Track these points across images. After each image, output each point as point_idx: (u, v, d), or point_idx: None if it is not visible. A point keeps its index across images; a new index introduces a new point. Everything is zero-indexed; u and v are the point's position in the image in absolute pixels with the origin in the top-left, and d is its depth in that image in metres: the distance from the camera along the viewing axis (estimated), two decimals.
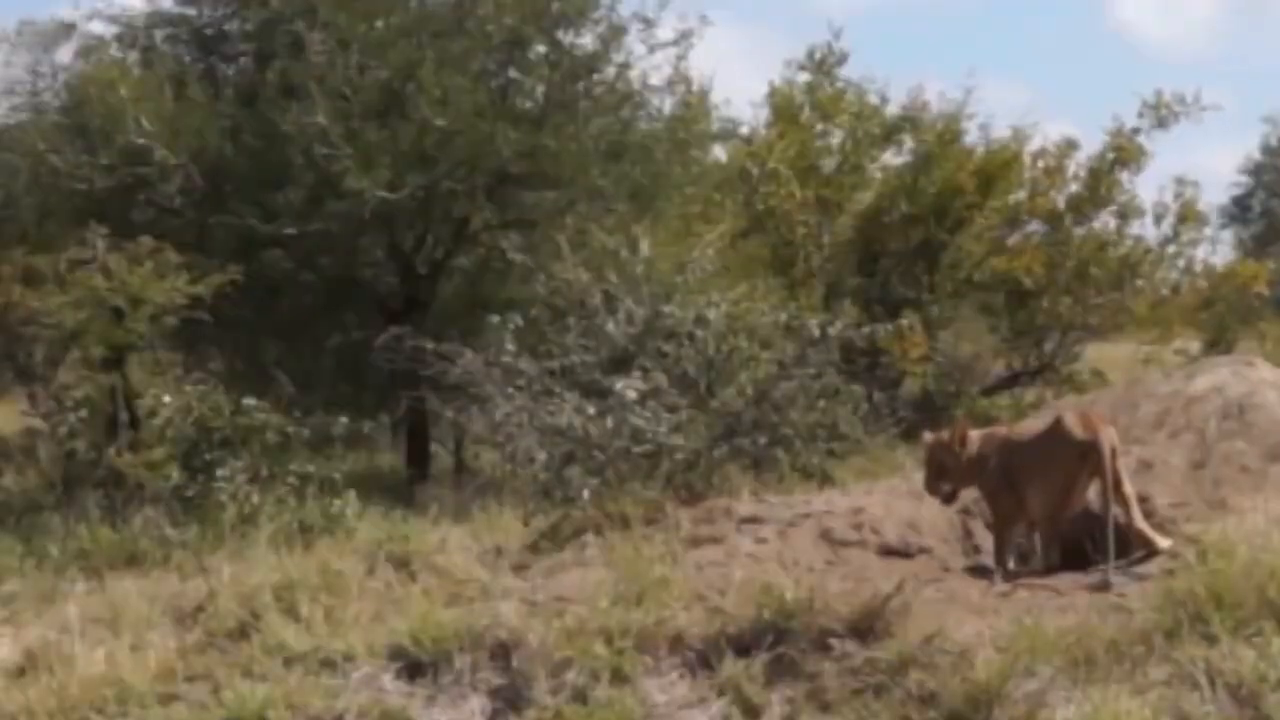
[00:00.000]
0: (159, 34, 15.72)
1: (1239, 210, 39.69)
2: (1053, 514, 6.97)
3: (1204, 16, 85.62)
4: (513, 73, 15.11)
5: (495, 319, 11.53)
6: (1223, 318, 19.23)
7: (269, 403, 11.95)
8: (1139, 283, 18.69)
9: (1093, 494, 6.94)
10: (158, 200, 14.64)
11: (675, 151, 15.54)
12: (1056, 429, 6.99)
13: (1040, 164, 18.61)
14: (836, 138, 18.79)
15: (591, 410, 9.97)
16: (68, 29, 15.78)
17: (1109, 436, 6.85)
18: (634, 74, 15.58)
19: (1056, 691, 5.68)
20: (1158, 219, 18.82)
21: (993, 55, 79.08)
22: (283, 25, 14.67)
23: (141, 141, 14.10)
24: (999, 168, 18.33)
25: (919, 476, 7.70)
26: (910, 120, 18.97)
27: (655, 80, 15.74)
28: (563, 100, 15.04)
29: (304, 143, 14.08)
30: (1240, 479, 7.42)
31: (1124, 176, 18.52)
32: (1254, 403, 7.92)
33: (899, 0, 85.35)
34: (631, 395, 9.93)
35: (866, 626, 6.16)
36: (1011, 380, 18.91)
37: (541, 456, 9.98)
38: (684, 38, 15.44)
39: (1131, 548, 6.80)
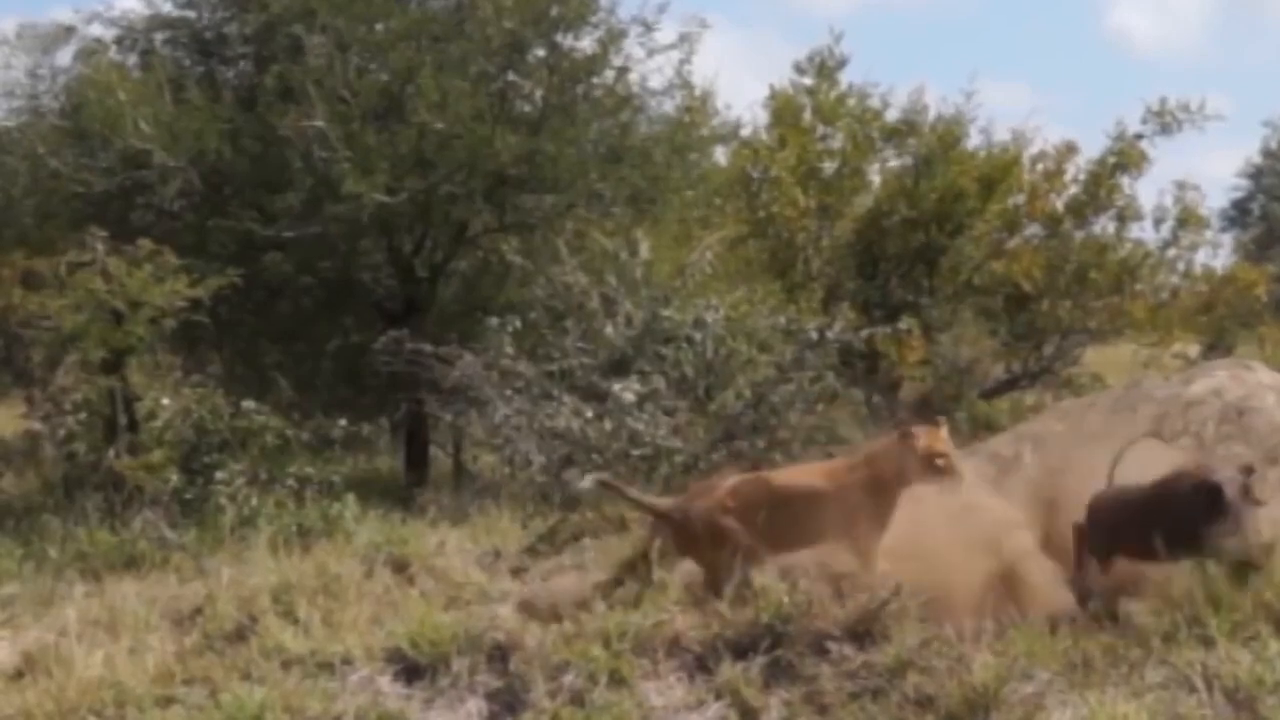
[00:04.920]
0: (158, 37, 15.71)
1: (1238, 214, 39.68)
2: None
3: (1202, 20, 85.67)
4: (512, 76, 15.09)
5: (494, 322, 11.57)
6: (1222, 321, 19.23)
7: (268, 405, 11.95)
8: (1138, 286, 18.68)
9: None
10: (157, 203, 14.65)
11: (674, 155, 15.54)
12: None
13: (1039, 167, 18.61)
14: (837, 141, 18.79)
15: (590, 413, 10.00)
16: (67, 32, 15.77)
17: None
18: (633, 77, 15.59)
19: (1054, 695, 5.69)
20: (1157, 223, 18.84)
21: (991, 57, 79.10)
22: (282, 28, 14.67)
23: (141, 145, 14.10)
24: (1000, 171, 18.33)
25: None
26: (911, 124, 18.98)
27: (655, 84, 15.76)
28: (562, 104, 15.04)
29: (303, 146, 14.09)
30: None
31: (1124, 180, 18.53)
32: (1252, 406, 7.94)
33: (896, 3, 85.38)
34: (630, 398, 9.96)
35: (864, 630, 6.17)
36: (1011, 384, 18.91)
37: (540, 459, 10.00)
38: (683, 41, 15.45)
39: None
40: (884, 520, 6.81)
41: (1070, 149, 18.53)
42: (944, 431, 6.92)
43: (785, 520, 6.85)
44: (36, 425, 14.36)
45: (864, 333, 12.42)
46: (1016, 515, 7.02)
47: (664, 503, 7.32)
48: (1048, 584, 6.58)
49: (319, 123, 13.91)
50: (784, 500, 6.94)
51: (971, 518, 6.85)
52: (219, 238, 14.43)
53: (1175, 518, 6.14)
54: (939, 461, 6.74)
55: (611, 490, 7.86)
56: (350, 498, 10.74)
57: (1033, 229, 18.82)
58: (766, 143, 18.72)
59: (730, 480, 7.32)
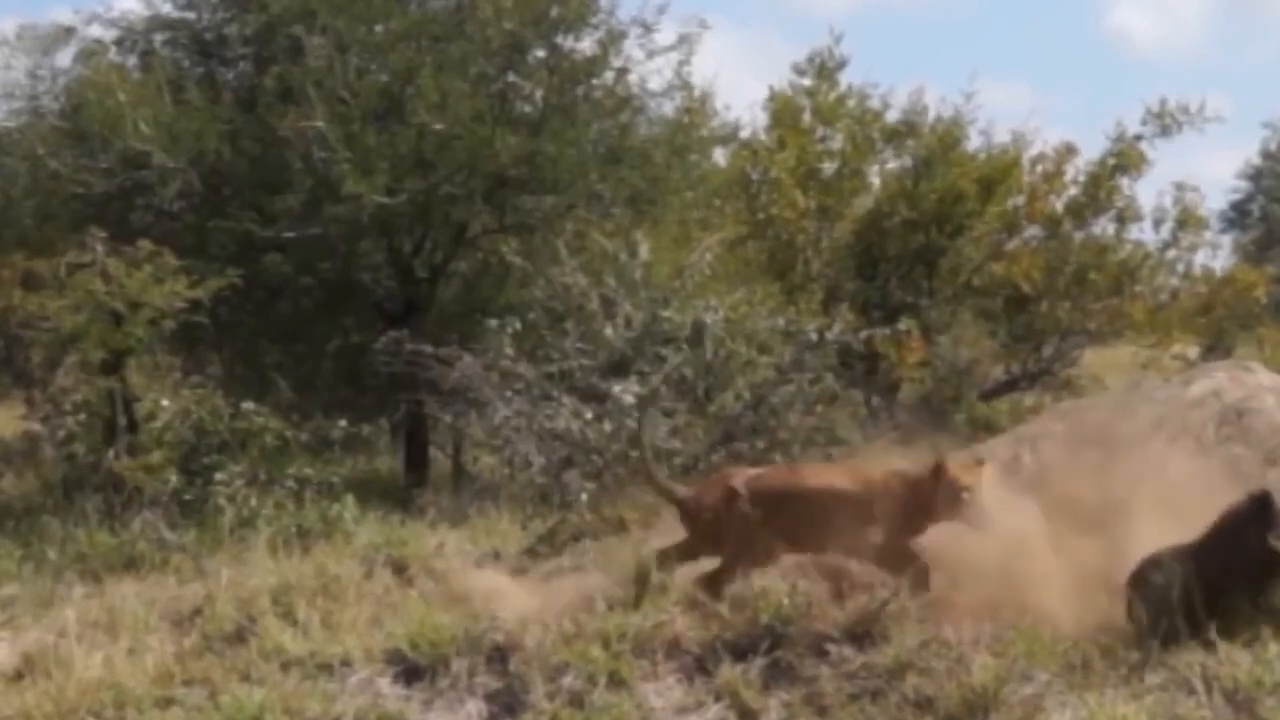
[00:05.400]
0: (158, 38, 15.70)
1: (1238, 215, 39.68)
2: None
3: (1202, 20, 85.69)
4: (512, 77, 15.09)
5: (494, 323, 11.57)
6: (1221, 323, 19.23)
7: (267, 406, 11.95)
8: (1138, 288, 18.68)
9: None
10: (157, 204, 14.64)
11: (674, 156, 15.54)
12: None
13: (1039, 169, 18.62)
14: (837, 142, 18.79)
15: (589, 414, 10.00)
16: (67, 33, 15.74)
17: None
18: (633, 79, 15.59)
19: (1053, 696, 5.70)
20: (1157, 224, 18.84)
21: (991, 57, 79.13)
22: (282, 29, 14.67)
23: (140, 146, 14.09)
24: (999, 173, 18.34)
25: None
26: (910, 125, 18.98)
27: (655, 85, 15.76)
28: (561, 105, 15.04)
29: (302, 147, 14.10)
30: (1238, 483, 7.42)
31: (1123, 182, 18.54)
32: (1251, 407, 7.95)
33: (896, 3, 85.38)
34: (629, 399, 9.95)
35: (863, 631, 6.18)
36: (1010, 385, 18.90)
37: (539, 460, 10.01)
38: (683, 42, 15.45)
39: None
40: (902, 539, 6.70)
41: (1070, 150, 18.53)
42: (984, 472, 6.82)
43: (798, 517, 6.79)
44: (36, 426, 14.38)
45: (863, 334, 12.42)
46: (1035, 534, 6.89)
47: (681, 490, 7.29)
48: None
49: (319, 123, 13.91)
50: (801, 496, 6.89)
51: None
52: (219, 239, 14.43)
53: (1240, 545, 6.05)
54: (964, 495, 6.62)
55: (640, 469, 7.76)
56: (350, 499, 10.74)
57: (1032, 230, 18.81)
58: (766, 144, 18.71)
59: (750, 471, 7.29)
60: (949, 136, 18.62)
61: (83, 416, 11.80)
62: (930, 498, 6.69)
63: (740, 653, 6.20)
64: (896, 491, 6.78)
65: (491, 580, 7.69)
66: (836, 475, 7.11)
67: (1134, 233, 18.80)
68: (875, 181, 19.09)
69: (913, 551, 6.67)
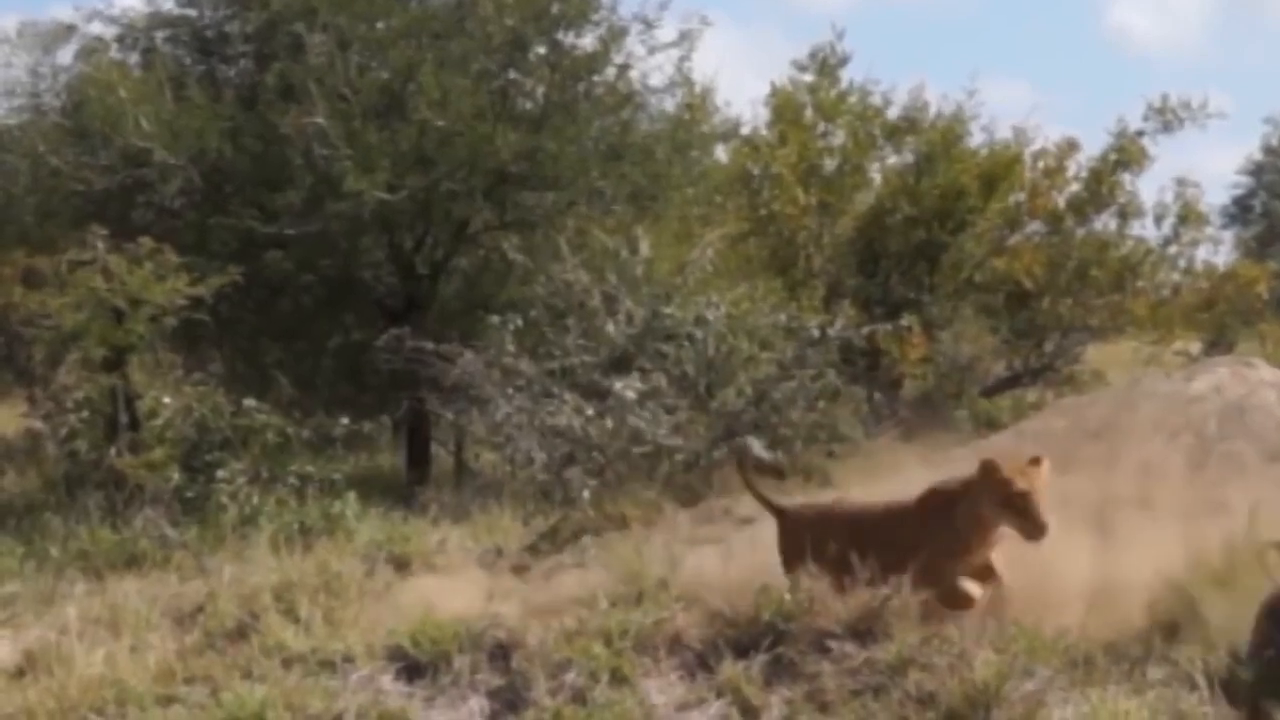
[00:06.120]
0: (159, 35, 15.71)
1: (1240, 211, 39.65)
2: None
3: (1203, 19, 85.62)
4: (513, 74, 15.10)
5: (495, 320, 11.60)
6: (1223, 319, 19.23)
7: (269, 404, 11.96)
8: (1139, 283, 18.69)
9: None
10: (158, 201, 14.63)
11: (675, 153, 15.54)
12: None
13: (1040, 164, 18.61)
14: (838, 139, 18.79)
15: (591, 411, 10.02)
16: (68, 30, 15.78)
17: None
18: (634, 75, 15.59)
19: (1055, 692, 5.69)
20: (1158, 220, 18.84)
21: (992, 55, 79.04)
22: (283, 27, 14.68)
23: (142, 143, 14.10)
24: (1001, 169, 18.34)
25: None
26: (912, 122, 18.97)
27: (656, 81, 15.76)
28: (563, 101, 15.04)
29: (303, 144, 14.10)
30: (1240, 479, 7.42)
31: (1125, 178, 18.54)
32: (1253, 403, 7.96)
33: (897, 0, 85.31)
34: (631, 396, 9.97)
35: (865, 627, 6.17)
36: (1012, 381, 18.91)
37: (541, 457, 10.02)
38: (684, 39, 15.45)
39: None
40: (951, 553, 6.29)
41: (1071, 146, 18.54)
42: (1042, 470, 6.21)
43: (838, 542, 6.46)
44: (38, 424, 14.37)
45: (865, 330, 12.45)
46: None
47: (777, 500, 7.20)
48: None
49: (320, 120, 13.91)
50: (833, 521, 6.72)
51: None
52: (220, 236, 14.44)
53: None
54: (1018, 502, 6.09)
55: (746, 472, 7.55)
56: (351, 496, 10.75)
57: (1034, 226, 18.82)
58: (767, 140, 18.71)
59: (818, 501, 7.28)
60: (950, 132, 18.62)
61: (84, 414, 11.80)
62: (976, 498, 6.21)
63: (742, 649, 6.19)
64: (936, 503, 6.39)
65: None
66: (876, 501, 6.84)
67: (1136, 228, 18.84)
68: (877, 178, 19.10)
69: (953, 577, 6.29)
